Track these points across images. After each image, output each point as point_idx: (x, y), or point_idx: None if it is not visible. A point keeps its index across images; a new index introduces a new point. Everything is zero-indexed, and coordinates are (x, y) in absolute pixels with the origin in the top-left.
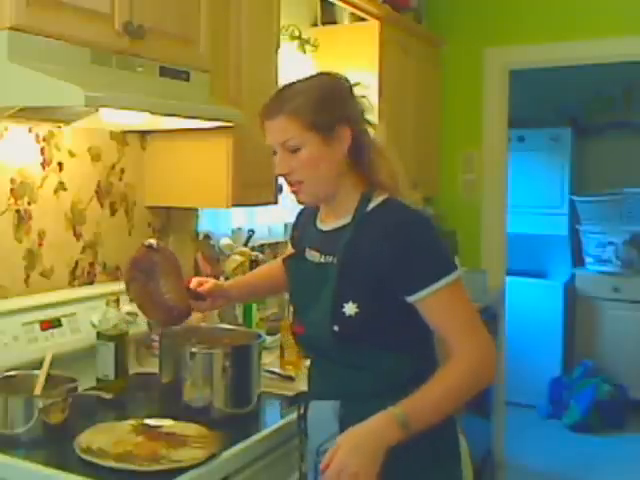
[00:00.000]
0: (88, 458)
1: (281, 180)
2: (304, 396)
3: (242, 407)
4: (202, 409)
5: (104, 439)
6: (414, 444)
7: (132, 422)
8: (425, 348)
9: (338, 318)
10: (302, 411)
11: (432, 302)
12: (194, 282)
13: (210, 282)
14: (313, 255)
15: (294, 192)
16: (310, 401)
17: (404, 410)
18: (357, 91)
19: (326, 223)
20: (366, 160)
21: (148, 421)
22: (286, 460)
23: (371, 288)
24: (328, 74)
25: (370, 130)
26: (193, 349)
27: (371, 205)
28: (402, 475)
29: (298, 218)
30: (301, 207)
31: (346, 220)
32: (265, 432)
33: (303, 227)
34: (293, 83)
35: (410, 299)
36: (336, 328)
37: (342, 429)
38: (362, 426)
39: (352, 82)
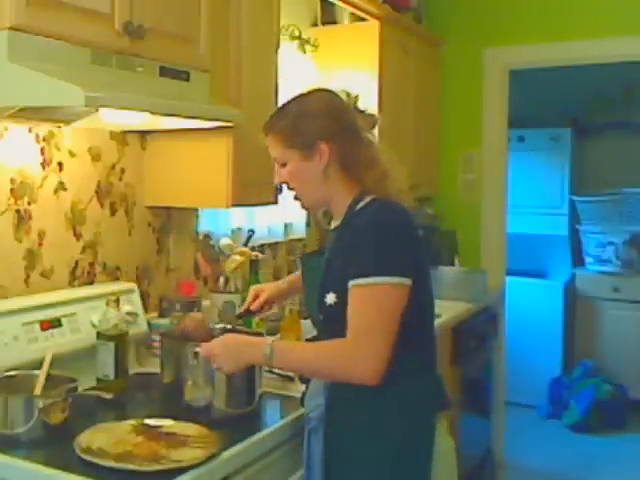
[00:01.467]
0: (88, 458)
1: None
2: None
3: (244, 407)
4: (203, 409)
5: (104, 439)
6: (381, 431)
7: (132, 422)
8: (405, 338)
9: (322, 307)
10: (306, 385)
11: (352, 294)
12: (250, 297)
13: (263, 295)
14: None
15: (295, 199)
16: None
17: (274, 348)
18: (355, 103)
19: (333, 223)
20: (355, 168)
21: (148, 421)
22: (286, 460)
23: (343, 279)
24: (319, 92)
25: (367, 138)
26: (197, 349)
27: (358, 206)
28: (364, 463)
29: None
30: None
31: (339, 221)
32: (265, 432)
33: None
34: (285, 103)
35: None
36: (321, 317)
37: (327, 402)
38: (243, 338)
39: (352, 94)
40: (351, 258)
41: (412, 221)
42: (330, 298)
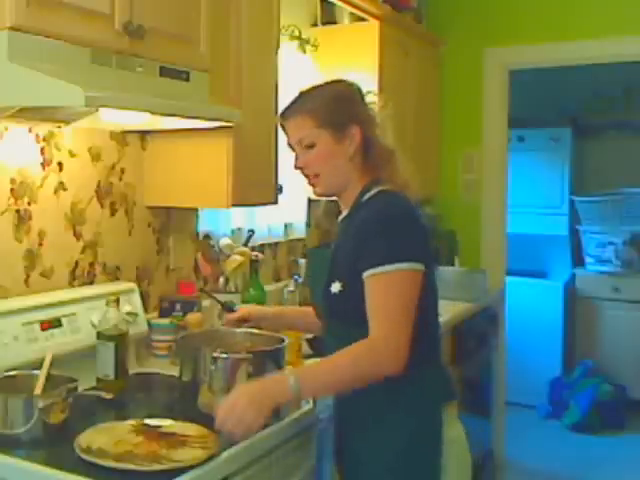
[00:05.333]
0: (88, 458)
1: (281, 181)
2: None
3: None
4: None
5: (104, 439)
6: (389, 429)
7: (132, 422)
8: (413, 329)
9: (327, 296)
10: None
11: (370, 284)
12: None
13: (242, 310)
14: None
15: (311, 184)
16: None
17: (297, 375)
18: (368, 99)
19: (341, 214)
20: (374, 158)
21: (148, 421)
22: (286, 460)
23: (349, 269)
24: (340, 80)
25: (379, 133)
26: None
27: (366, 196)
28: (374, 459)
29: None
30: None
31: (348, 211)
32: (265, 432)
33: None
34: (309, 89)
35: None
36: (326, 304)
37: (335, 402)
38: (258, 381)
39: (365, 90)
40: (362, 249)
41: (417, 212)
42: (335, 287)
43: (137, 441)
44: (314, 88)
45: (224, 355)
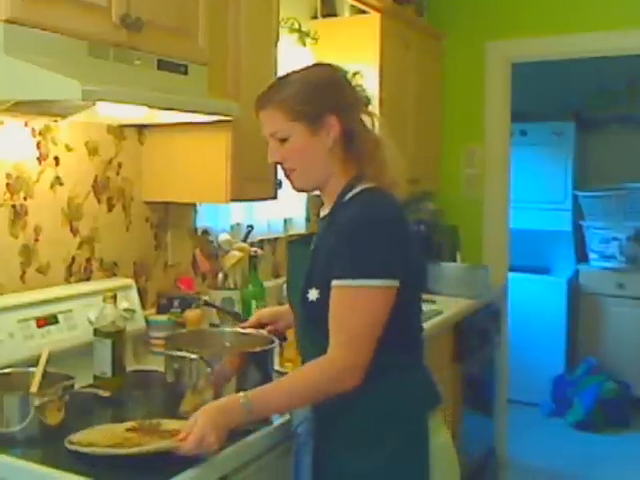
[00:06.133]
0: (73, 448)
1: (280, 176)
2: None
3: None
4: None
5: (97, 436)
6: (373, 438)
7: (133, 423)
8: (389, 339)
9: (304, 302)
10: None
11: (335, 295)
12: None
13: (256, 315)
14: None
15: (288, 178)
16: None
17: (249, 397)
18: (356, 80)
19: (322, 210)
20: (357, 149)
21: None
22: (285, 460)
23: (325, 275)
24: (321, 65)
25: (367, 119)
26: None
27: (349, 195)
28: (360, 468)
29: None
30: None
31: (330, 208)
32: (264, 431)
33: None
34: (286, 75)
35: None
36: (303, 311)
37: (315, 414)
38: (214, 403)
39: (351, 71)
40: (336, 255)
41: (402, 215)
42: (312, 294)
43: (129, 436)
44: (291, 74)
45: (193, 356)
